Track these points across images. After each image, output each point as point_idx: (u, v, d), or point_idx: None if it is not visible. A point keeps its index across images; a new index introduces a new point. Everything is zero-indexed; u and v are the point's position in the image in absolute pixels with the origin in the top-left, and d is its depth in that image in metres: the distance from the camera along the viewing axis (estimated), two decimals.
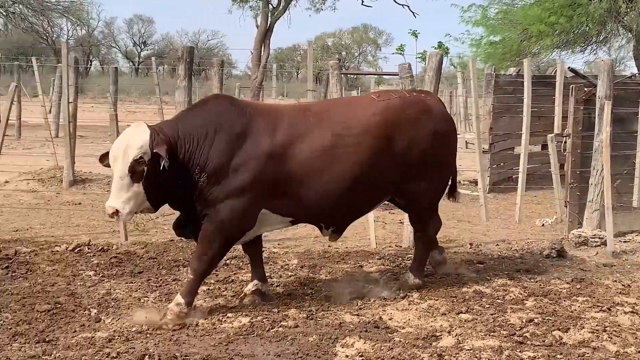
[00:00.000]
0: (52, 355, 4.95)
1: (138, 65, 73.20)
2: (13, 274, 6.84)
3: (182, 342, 5.27)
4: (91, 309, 5.96)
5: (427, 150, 6.22)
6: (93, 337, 5.34)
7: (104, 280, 6.79)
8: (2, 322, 5.60)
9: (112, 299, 6.24)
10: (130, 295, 6.35)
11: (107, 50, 78.11)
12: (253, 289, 6.21)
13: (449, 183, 6.89)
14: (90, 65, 66.48)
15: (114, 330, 5.49)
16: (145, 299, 6.29)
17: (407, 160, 6.15)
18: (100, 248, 7.84)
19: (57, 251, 7.69)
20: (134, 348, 5.09)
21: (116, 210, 5.50)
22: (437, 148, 6.31)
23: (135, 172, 5.47)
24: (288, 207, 5.91)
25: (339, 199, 5.95)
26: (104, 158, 5.71)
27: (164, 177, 5.53)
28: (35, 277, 6.78)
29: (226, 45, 77.13)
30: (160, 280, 6.84)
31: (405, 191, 6.37)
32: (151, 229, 9.23)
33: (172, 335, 5.42)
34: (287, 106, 6.41)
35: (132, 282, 6.73)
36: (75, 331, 5.49)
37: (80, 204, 10.85)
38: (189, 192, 5.71)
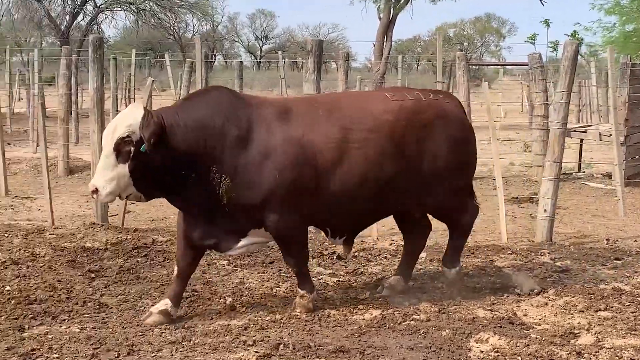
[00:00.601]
0: (191, 342, 5.09)
1: (260, 59, 74.60)
2: (152, 262, 7.11)
3: (315, 333, 5.32)
4: (226, 297, 6.11)
5: (442, 157, 5.86)
6: (229, 324, 5.47)
7: (237, 269, 6.94)
8: (143, 308, 5.82)
9: (246, 288, 6.37)
10: (262, 285, 6.47)
11: (230, 45, 80.00)
12: (161, 309, 5.58)
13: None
14: (215, 59, 68.29)
15: (249, 319, 5.61)
16: (277, 289, 6.39)
17: (422, 166, 5.81)
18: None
19: None
20: (269, 337, 5.17)
21: (96, 188, 5.23)
22: (454, 155, 5.93)
23: (120, 151, 5.19)
24: (308, 209, 5.62)
25: (346, 198, 5.62)
26: None
27: (158, 164, 5.24)
28: (172, 265, 6.99)
29: (346, 38, 77.50)
30: (291, 271, 6.92)
31: (425, 202, 6.01)
32: None
33: (306, 325, 5.47)
34: (292, 98, 6.12)
35: (264, 272, 6.85)
36: (212, 318, 5.64)
37: None
38: (204, 188, 5.38)
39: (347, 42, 74.29)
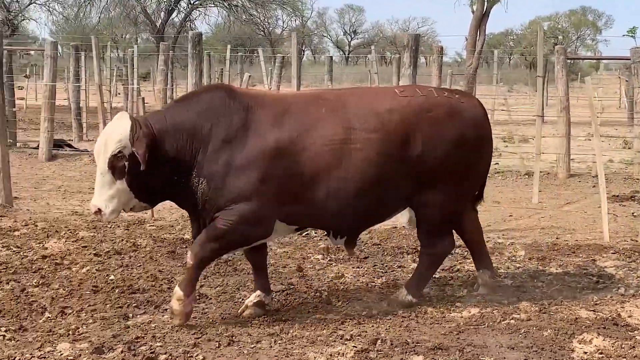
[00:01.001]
0: (289, 334, 5.13)
1: (348, 54, 74.70)
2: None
3: (412, 329, 5.28)
4: (322, 292, 6.13)
5: (447, 158, 5.48)
6: (325, 318, 5.49)
7: (332, 264, 6.97)
8: (241, 300, 5.90)
9: (341, 283, 6.39)
10: (357, 280, 6.47)
11: (319, 40, 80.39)
12: (255, 301, 5.61)
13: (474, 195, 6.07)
14: (303, 55, 68.69)
15: (345, 314, 5.61)
16: (372, 284, 6.38)
17: (423, 166, 5.44)
18: (326, 232, 8.02)
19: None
20: (366, 332, 5.17)
21: (98, 209, 5.15)
22: (461, 157, 5.54)
23: (115, 168, 5.09)
24: (296, 213, 5.37)
25: (348, 201, 5.34)
26: None
27: (152, 173, 5.12)
28: (269, 258, 7.04)
29: (436, 32, 76.75)
30: (386, 266, 6.91)
31: (417, 202, 5.61)
32: None
33: (402, 321, 5.44)
34: (294, 95, 5.63)
35: (359, 267, 6.85)
36: (308, 312, 5.67)
37: None
38: (190, 193, 5.25)
39: (436, 36, 73.52)
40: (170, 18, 42.56)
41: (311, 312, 5.68)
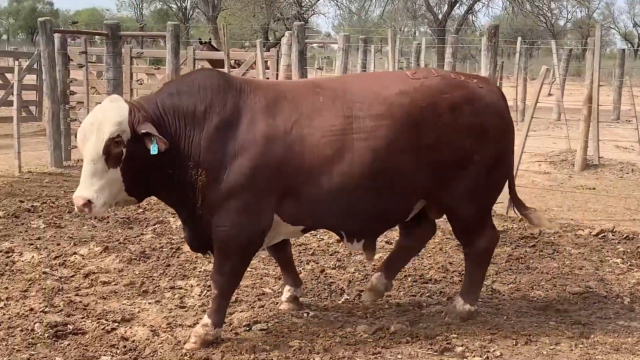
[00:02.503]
0: (590, 339, 4.93)
1: (637, 47, 70.18)
2: (540, 253, 6.97)
3: None
4: (624, 298, 5.78)
5: (466, 147, 4.85)
6: (629, 326, 5.20)
7: (632, 269, 6.55)
8: (535, 299, 5.74)
9: None
10: None
11: (605, 32, 76.27)
12: (288, 296, 5.38)
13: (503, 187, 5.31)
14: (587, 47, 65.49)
15: None
16: None
17: (439, 157, 4.81)
18: (624, 236, 7.58)
19: (581, 235, 7.64)
20: None
21: (88, 201, 4.41)
22: (482, 146, 4.89)
23: (111, 154, 4.43)
24: (297, 211, 4.75)
25: (353, 198, 4.74)
26: None
27: (147, 163, 4.51)
28: (563, 258, 6.83)
29: None
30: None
31: (439, 198, 4.98)
32: None
33: None
34: (291, 82, 4.81)
35: None
36: (609, 318, 5.38)
37: (594, 188, 10.68)
38: (182, 186, 4.66)
39: None
40: (452, 11, 42.67)
41: (612, 317, 5.39)
